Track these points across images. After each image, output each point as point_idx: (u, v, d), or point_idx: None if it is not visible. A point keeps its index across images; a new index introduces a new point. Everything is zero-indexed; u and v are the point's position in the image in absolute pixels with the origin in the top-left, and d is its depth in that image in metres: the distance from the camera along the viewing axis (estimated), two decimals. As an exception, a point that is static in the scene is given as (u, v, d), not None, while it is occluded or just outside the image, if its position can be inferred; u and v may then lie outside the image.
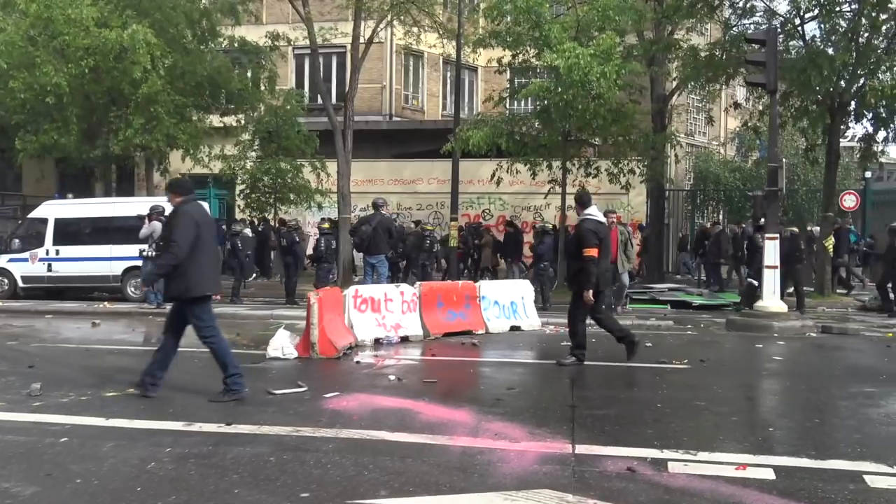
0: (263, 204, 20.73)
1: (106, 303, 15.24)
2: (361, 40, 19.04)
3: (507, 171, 19.31)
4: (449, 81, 26.97)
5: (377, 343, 9.97)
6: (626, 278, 14.23)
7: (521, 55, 18.50)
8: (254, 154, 20.89)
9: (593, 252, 8.08)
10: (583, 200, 8.69)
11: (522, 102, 20.16)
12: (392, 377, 7.78)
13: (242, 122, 21.21)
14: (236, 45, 20.76)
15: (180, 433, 5.46)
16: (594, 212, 8.51)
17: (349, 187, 19.20)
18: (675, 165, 25.22)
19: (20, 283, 17.05)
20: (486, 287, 12.03)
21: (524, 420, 5.87)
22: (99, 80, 17.83)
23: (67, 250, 16.84)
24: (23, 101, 17.36)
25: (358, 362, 8.73)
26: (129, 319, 13.43)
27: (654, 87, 20.25)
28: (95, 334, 11.43)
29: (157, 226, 13.20)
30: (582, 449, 5.05)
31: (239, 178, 20.79)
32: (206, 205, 7.64)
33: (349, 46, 19.80)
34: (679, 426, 5.86)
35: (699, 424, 6.03)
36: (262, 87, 21.33)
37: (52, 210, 17.34)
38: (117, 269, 16.45)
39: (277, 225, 19.64)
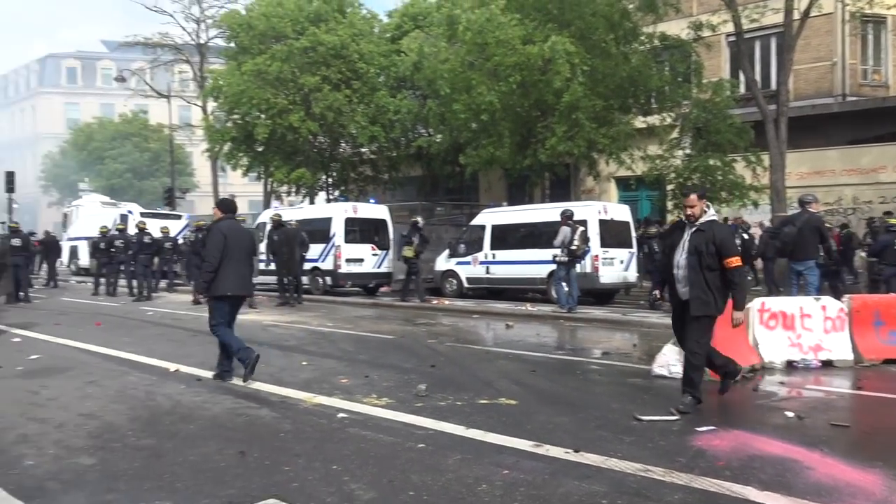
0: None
1: (528, 305, 16.06)
2: (796, 15, 16.74)
3: None
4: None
5: (790, 366, 8.45)
6: None
7: None
8: (681, 152, 20.00)
9: None
10: None
11: None
12: (790, 414, 6.42)
13: (667, 120, 20.50)
14: (656, 41, 20.14)
15: (525, 454, 5.20)
16: None
17: (784, 181, 17.07)
18: None
19: (465, 284, 19.06)
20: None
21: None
22: (526, 94, 19.01)
23: (502, 254, 18.26)
24: (464, 120, 19.41)
25: (755, 389, 7.48)
26: (540, 323, 13.91)
27: None
28: (503, 337, 12.04)
29: (566, 230, 13.36)
30: None
31: (667, 178, 20.14)
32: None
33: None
34: None
35: None
36: (690, 81, 20.33)
37: (488, 217, 19.00)
38: (543, 271, 17.20)
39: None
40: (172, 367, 8.76)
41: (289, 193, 30.79)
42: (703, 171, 18.82)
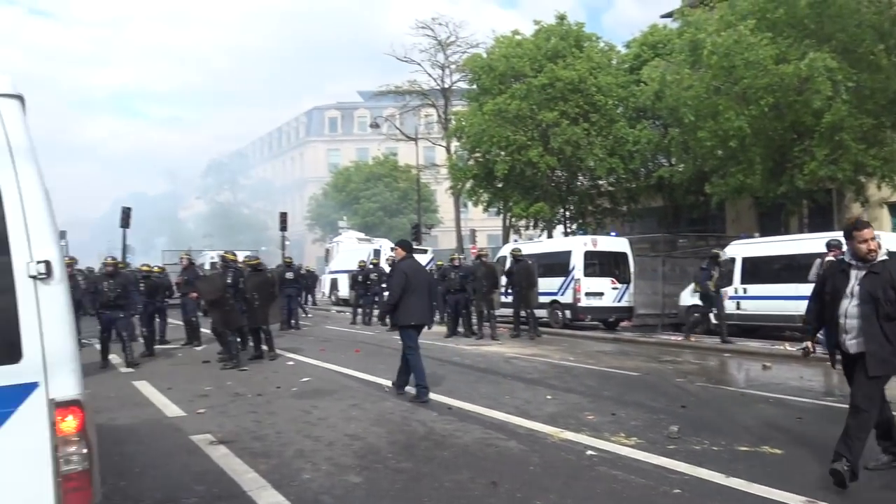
0: None
1: (787, 344, 14.70)
2: None
3: None
4: None
5: None
6: None
7: None
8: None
9: None
10: None
11: None
12: None
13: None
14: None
15: (794, 511, 4.73)
16: None
17: None
18: None
19: (713, 320, 17.93)
20: None
21: None
22: (780, 116, 17.66)
23: (755, 288, 16.95)
24: (710, 148, 18.46)
25: None
26: (802, 364, 12.60)
27: None
28: (759, 378, 11.11)
29: (817, 262, 12.10)
30: None
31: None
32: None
33: None
34: None
35: None
36: None
37: (739, 249, 17.77)
38: (802, 308, 15.70)
39: None
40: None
41: (527, 227, 31.32)
42: None
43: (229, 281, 12.80)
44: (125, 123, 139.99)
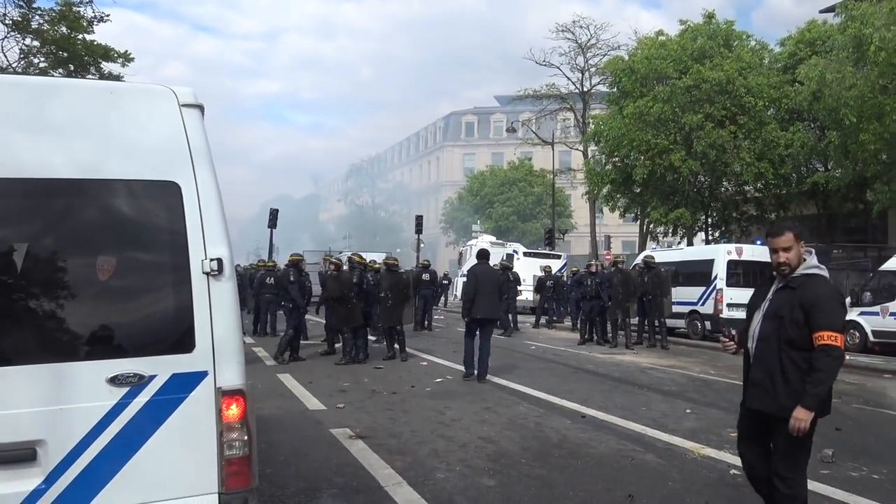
0: None
1: (960, 367, 13.38)
2: None
3: None
4: None
5: None
6: None
7: None
8: None
9: None
10: None
11: None
12: None
13: None
14: None
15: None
16: None
17: None
18: None
19: (870, 338, 16.63)
20: None
21: None
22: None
23: (922, 304, 15.58)
24: (873, 152, 17.13)
25: None
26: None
27: None
28: (929, 403, 10.16)
29: None
30: None
31: None
32: None
33: None
34: None
35: None
36: None
37: (906, 262, 16.39)
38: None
39: None
40: (557, 400, 9.14)
41: (665, 234, 30.32)
42: None
43: (355, 280, 13.24)
44: (273, 130, 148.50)
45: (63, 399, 2.67)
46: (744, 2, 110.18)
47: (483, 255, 11.85)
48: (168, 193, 2.86)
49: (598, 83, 36.79)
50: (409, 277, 15.15)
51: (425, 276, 20.58)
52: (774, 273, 4.14)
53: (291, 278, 13.62)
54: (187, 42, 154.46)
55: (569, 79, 38.31)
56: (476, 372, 10.95)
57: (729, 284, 18.59)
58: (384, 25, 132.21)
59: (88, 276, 2.82)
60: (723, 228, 27.91)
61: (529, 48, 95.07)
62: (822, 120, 22.54)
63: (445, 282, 30.95)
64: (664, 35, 27.75)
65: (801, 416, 3.77)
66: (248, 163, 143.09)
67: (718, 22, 26.73)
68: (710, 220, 28.09)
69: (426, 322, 20.28)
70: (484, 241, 37.66)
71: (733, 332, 4.33)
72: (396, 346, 13.67)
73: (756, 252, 19.44)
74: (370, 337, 13.90)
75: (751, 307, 4.23)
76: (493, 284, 11.28)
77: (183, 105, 2.96)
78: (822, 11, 27.27)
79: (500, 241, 36.86)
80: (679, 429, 7.65)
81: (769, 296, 4.11)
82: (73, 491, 2.66)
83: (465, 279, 13.71)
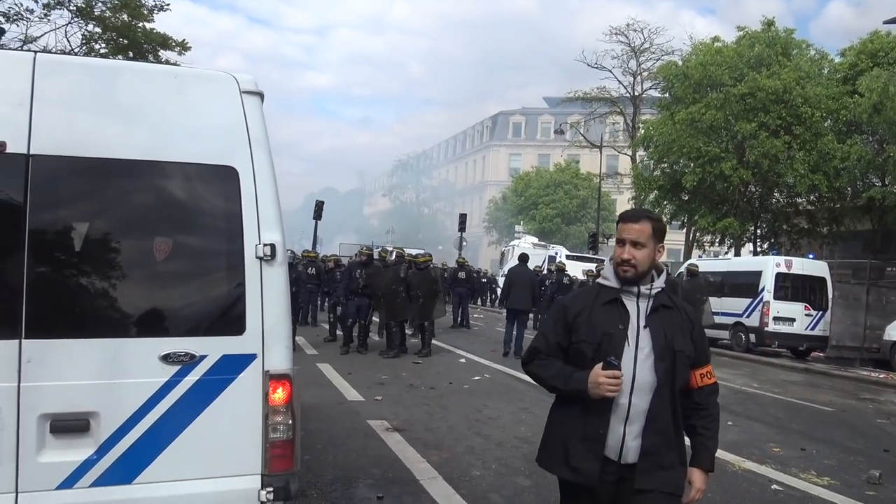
0: None
1: None
2: None
3: None
4: None
5: None
6: None
7: None
8: None
9: None
10: None
11: None
12: None
13: None
14: None
15: None
16: None
17: None
18: None
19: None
20: None
21: None
22: None
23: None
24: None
25: None
26: None
27: None
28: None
29: None
30: None
31: None
32: None
33: None
34: None
35: None
36: None
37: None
38: None
39: None
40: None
41: (712, 243, 29.79)
42: None
43: (402, 275, 13.33)
44: (321, 123, 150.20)
45: (117, 374, 2.74)
46: (802, 11, 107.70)
47: (523, 258, 15.13)
48: (226, 178, 2.90)
49: (650, 88, 36.36)
50: (437, 274, 15.19)
51: (461, 275, 20.56)
52: (605, 275, 2.81)
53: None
54: (242, 34, 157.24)
55: (620, 82, 37.98)
56: (511, 350, 13.60)
57: (777, 297, 18.20)
58: (435, 24, 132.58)
59: (145, 256, 2.88)
60: (772, 240, 27.28)
61: (581, 50, 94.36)
62: (881, 133, 21.88)
63: (484, 280, 30.79)
64: (720, 41, 27.23)
65: (704, 486, 2.79)
66: (295, 155, 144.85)
67: (778, 30, 26.10)
68: (759, 231, 27.50)
69: (462, 319, 20.25)
70: (526, 242, 37.55)
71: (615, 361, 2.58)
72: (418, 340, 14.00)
73: (806, 266, 19.01)
74: (406, 331, 14.00)
75: (590, 335, 2.68)
76: (526, 282, 14.10)
77: (244, 91, 3.00)
78: (885, 22, 26.43)
79: (543, 243, 36.69)
80: (720, 441, 7.50)
81: (639, 321, 2.68)
82: (122, 463, 2.72)
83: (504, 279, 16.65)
